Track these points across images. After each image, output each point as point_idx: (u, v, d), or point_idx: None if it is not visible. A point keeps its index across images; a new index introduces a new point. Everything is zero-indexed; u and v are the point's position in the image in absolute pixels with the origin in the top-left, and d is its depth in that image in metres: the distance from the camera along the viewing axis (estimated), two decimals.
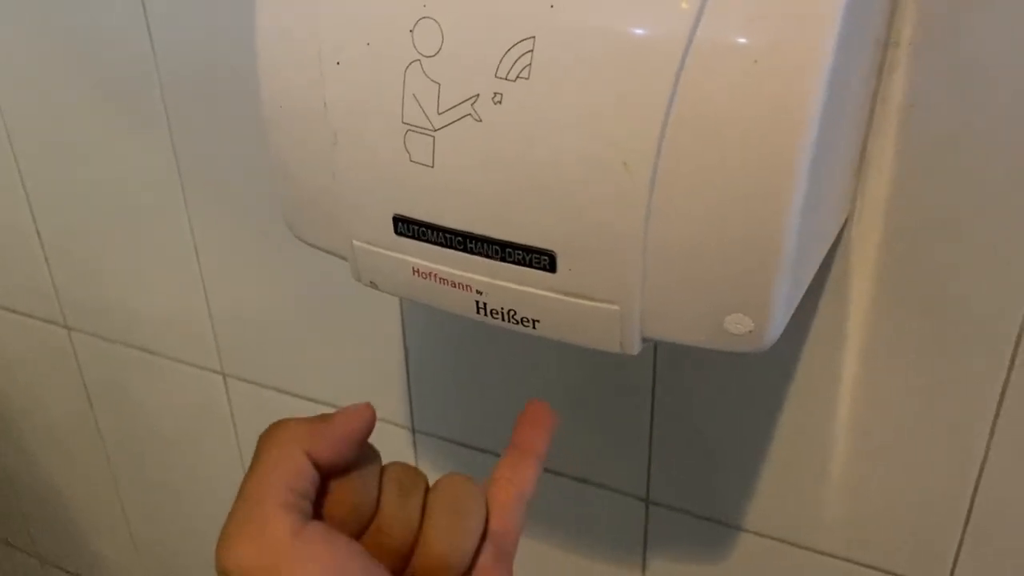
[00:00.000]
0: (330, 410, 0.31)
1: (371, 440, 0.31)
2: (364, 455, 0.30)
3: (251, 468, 0.28)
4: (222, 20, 0.56)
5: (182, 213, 0.66)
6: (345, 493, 0.29)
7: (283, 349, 0.68)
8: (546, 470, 0.61)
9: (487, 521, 0.30)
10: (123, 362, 0.77)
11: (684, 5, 0.27)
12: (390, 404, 0.65)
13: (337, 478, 0.29)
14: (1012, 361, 0.44)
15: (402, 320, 0.61)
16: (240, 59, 0.56)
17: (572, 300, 0.32)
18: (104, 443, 0.85)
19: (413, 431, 0.65)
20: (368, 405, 0.30)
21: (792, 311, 0.33)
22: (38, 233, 0.74)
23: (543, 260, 0.32)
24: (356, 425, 0.29)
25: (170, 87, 0.60)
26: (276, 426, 0.29)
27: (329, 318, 0.64)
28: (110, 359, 0.78)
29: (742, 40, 0.27)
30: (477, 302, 0.34)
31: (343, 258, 0.38)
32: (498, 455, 0.62)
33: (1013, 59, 0.38)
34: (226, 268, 0.67)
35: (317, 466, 0.28)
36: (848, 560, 0.53)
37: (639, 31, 0.28)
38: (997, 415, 0.45)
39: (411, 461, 0.66)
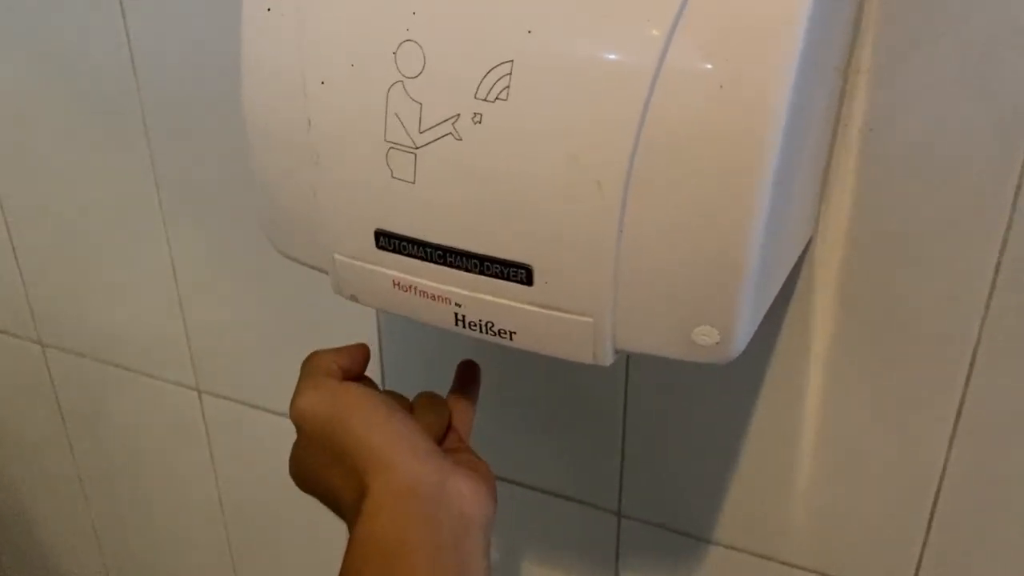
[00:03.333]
0: None
1: None
2: (368, 379, 0.44)
3: (302, 372, 0.42)
4: (202, 40, 0.57)
5: (159, 229, 0.66)
6: None
7: (258, 365, 0.68)
8: (518, 484, 0.62)
9: (451, 417, 0.45)
10: (97, 378, 0.77)
11: (654, 32, 0.29)
12: None
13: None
14: (969, 373, 0.46)
15: (379, 337, 0.62)
16: (219, 77, 0.57)
17: (547, 312, 0.33)
18: (76, 460, 0.84)
19: None
20: (366, 344, 0.44)
21: (757, 324, 0.35)
22: (13, 249, 0.74)
23: (520, 274, 0.33)
24: (362, 350, 0.43)
25: (149, 104, 0.61)
26: (312, 353, 0.43)
27: (304, 335, 0.65)
28: (84, 376, 0.77)
29: (708, 66, 0.29)
30: (456, 314, 0.35)
31: (324, 272, 0.39)
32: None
33: (967, 84, 0.40)
34: (202, 284, 0.67)
35: (341, 370, 0.42)
36: (815, 571, 0.55)
37: (612, 57, 0.29)
38: (955, 426, 0.47)
39: None
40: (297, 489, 0.44)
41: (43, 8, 0.61)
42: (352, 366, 0.42)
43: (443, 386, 0.61)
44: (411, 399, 0.45)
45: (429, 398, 0.45)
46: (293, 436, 0.69)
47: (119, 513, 0.85)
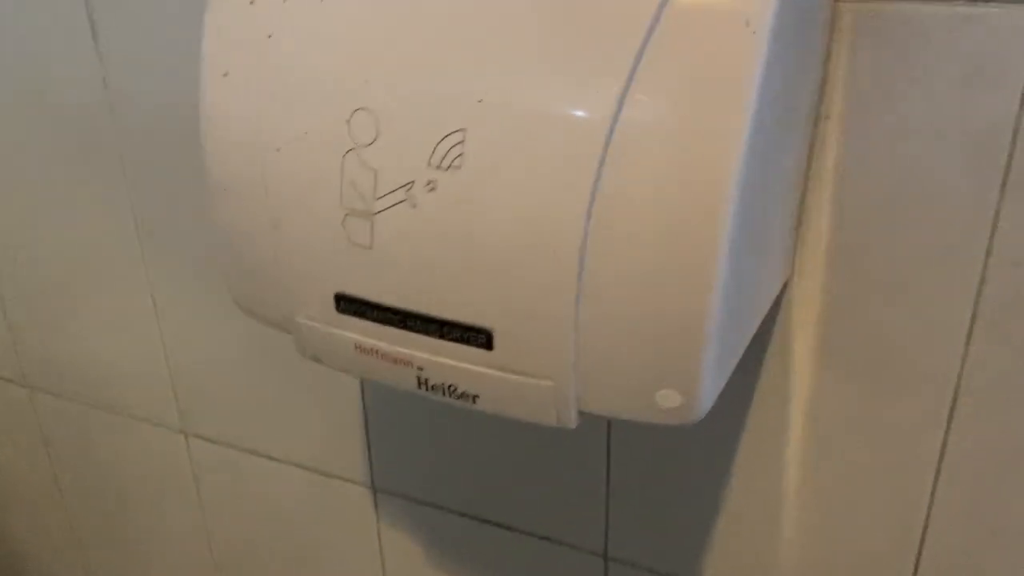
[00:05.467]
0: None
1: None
2: None
3: None
4: (180, 78, 0.57)
5: (140, 271, 0.66)
6: None
7: (243, 407, 0.68)
8: (504, 527, 0.61)
9: None
10: (84, 421, 0.77)
11: (605, 99, 0.29)
12: (350, 462, 0.65)
13: None
14: (951, 412, 0.45)
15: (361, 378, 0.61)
16: (197, 120, 0.57)
17: (509, 376, 0.33)
18: (65, 502, 0.84)
19: (374, 489, 0.65)
20: None
21: (722, 384, 0.34)
22: None
23: (480, 338, 0.33)
24: None
25: (128, 144, 0.61)
26: None
27: (288, 376, 0.65)
28: (71, 418, 0.77)
29: (660, 130, 0.29)
30: (418, 377, 0.35)
31: (288, 332, 0.38)
32: (458, 513, 0.62)
33: (937, 126, 0.39)
34: (185, 326, 0.67)
35: None
36: None
37: (562, 126, 0.29)
38: (939, 467, 0.46)
39: (372, 520, 0.66)
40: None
41: (21, 53, 0.61)
42: None
43: (427, 430, 0.61)
44: None
45: None
46: (280, 479, 0.69)
47: (109, 552, 0.85)
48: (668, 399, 0.32)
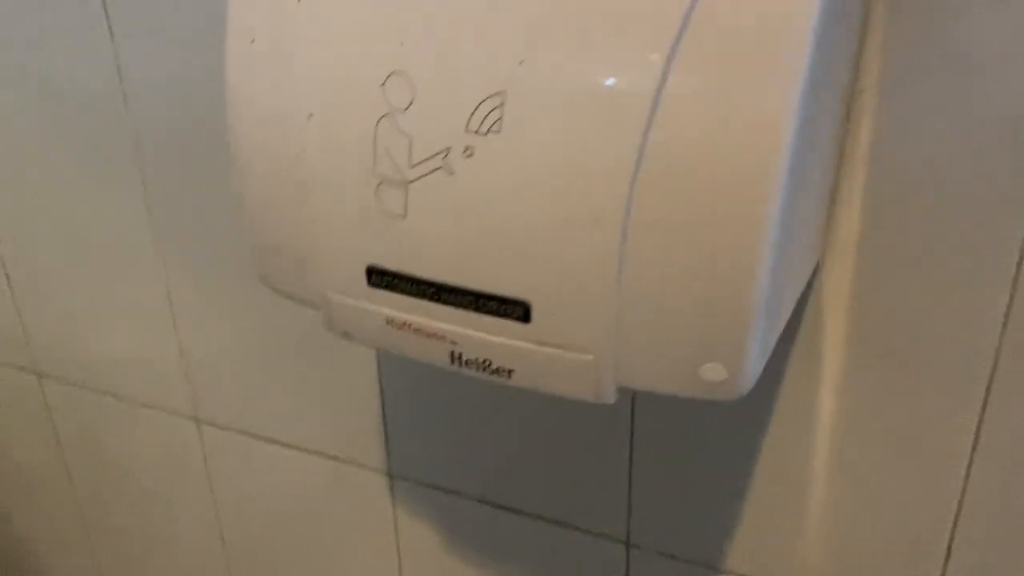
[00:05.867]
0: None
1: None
2: None
3: None
4: (194, 67, 0.56)
5: (154, 257, 0.65)
6: None
7: (257, 394, 0.67)
8: (526, 514, 0.61)
9: None
10: (95, 408, 0.76)
11: (652, 61, 0.28)
12: (367, 448, 0.64)
13: None
14: (986, 399, 0.44)
15: (378, 362, 0.61)
16: (211, 104, 0.55)
17: (546, 350, 0.32)
18: (75, 491, 0.83)
19: (390, 476, 0.65)
20: None
21: (767, 358, 0.34)
22: (8, 278, 0.73)
23: (517, 310, 0.32)
24: None
25: (142, 131, 0.60)
26: None
27: (303, 361, 0.64)
28: (82, 406, 0.77)
29: (708, 96, 0.28)
30: (452, 352, 0.34)
31: (316, 308, 0.37)
32: (477, 500, 0.62)
33: (976, 102, 0.38)
34: (198, 313, 0.66)
35: None
36: None
37: (608, 88, 0.28)
38: (973, 453, 0.46)
39: (388, 507, 0.66)
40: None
41: (34, 40, 0.61)
42: None
43: (445, 415, 0.60)
44: None
45: None
46: (294, 466, 0.68)
47: (120, 545, 0.84)
48: (713, 372, 0.31)
